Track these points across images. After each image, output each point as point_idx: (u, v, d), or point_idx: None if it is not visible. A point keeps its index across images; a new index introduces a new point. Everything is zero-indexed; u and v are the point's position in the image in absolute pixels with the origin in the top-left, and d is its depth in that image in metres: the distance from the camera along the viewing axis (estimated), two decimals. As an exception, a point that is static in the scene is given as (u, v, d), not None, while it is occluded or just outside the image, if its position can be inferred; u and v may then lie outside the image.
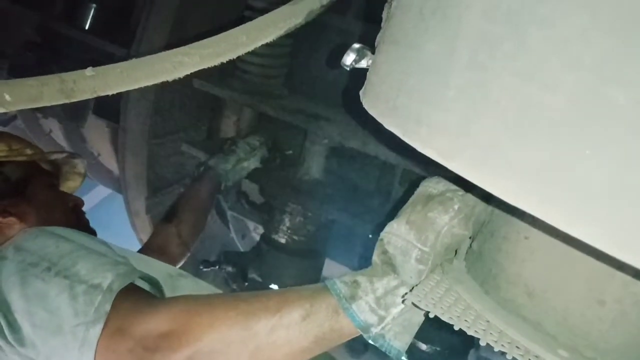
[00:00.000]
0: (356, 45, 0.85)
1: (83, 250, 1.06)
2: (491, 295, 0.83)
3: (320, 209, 1.93)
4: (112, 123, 2.49)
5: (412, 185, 1.73)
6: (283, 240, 2.04)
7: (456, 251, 0.95)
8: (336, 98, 2.02)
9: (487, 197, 0.90)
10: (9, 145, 1.34)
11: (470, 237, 0.92)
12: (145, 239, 2.36)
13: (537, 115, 0.41)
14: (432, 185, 0.92)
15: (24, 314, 1.00)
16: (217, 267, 2.06)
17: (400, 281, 0.87)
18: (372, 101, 0.68)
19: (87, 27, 2.33)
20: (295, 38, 2.00)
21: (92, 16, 2.33)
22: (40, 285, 1.00)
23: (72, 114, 2.53)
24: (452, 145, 0.49)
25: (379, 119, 0.63)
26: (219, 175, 1.82)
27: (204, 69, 0.74)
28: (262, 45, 0.77)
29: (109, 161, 3.08)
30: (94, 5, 2.35)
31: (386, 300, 0.86)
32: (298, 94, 2.10)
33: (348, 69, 0.87)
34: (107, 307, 0.95)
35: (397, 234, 0.89)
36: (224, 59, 0.72)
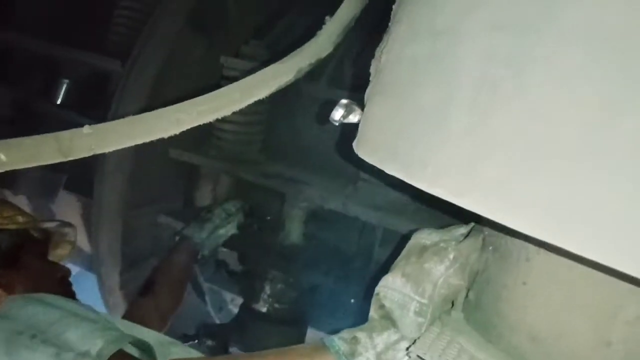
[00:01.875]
0: (344, 101, 0.87)
1: (72, 317, 1.02)
2: (494, 343, 0.82)
3: (301, 274, 1.90)
4: (83, 197, 2.44)
5: (397, 243, 1.74)
6: (264, 309, 1.99)
7: (453, 302, 0.94)
8: (313, 162, 2.04)
9: (481, 244, 0.90)
10: (1, 213, 1.32)
11: (466, 287, 0.92)
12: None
13: (547, 150, 0.43)
14: (425, 237, 0.93)
15: None
16: (197, 340, 1.98)
17: (401, 335, 0.85)
18: (370, 149, 0.69)
19: (59, 102, 2.33)
20: (270, 105, 2.04)
21: (65, 91, 2.34)
22: (26, 354, 0.95)
23: (43, 190, 2.48)
24: (461, 183, 0.50)
25: (379, 166, 0.64)
26: (195, 244, 1.79)
27: (179, 136, 0.74)
28: (237, 112, 0.79)
29: (79, 237, 2.99)
30: (67, 80, 2.36)
31: (387, 356, 0.85)
32: (275, 160, 2.11)
33: (336, 124, 0.89)
34: None
35: (393, 288, 0.88)
36: (219, 115, 0.73)
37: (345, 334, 0.88)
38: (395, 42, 0.69)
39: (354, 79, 2.05)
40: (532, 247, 0.77)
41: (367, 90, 0.78)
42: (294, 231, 1.97)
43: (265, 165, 2.05)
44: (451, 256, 0.86)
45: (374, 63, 0.79)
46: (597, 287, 0.68)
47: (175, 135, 0.73)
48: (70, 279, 1.44)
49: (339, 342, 0.87)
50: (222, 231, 1.89)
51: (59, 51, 2.26)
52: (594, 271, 0.66)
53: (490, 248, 0.89)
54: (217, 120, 0.75)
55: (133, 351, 1.06)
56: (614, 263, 0.41)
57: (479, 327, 0.87)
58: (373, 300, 0.91)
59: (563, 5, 0.45)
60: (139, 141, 0.69)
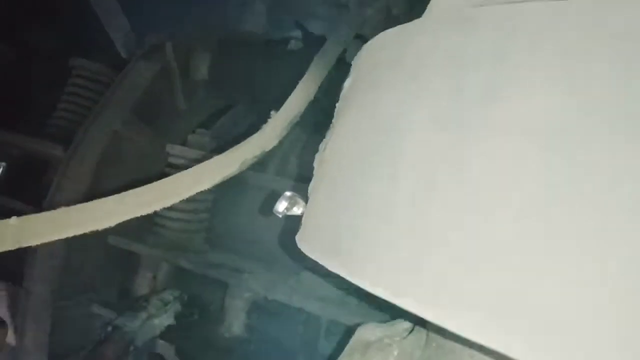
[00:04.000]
0: (288, 193, 0.88)
1: None
2: None
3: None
4: (11, 286, 2.29)
5: (341, 335, 1.70)
6: (204, 408, 1.87)
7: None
8: (258, 252, 2.02)
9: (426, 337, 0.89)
10: None
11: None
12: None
13: (485, 245, 0.43)
14: (369, 332, 0.91)
15: None
16: None
17: None
18: (312, 245, 0.68)
19: (-6, 186, 2.24)
20: (215, 194, 2.02)
21: (1, 175, 2.25)
22: None
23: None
24: (402, 282, 0.49)
25: (322, 262, 0.63)
26: (127, 334, 1.69)
27: (118, 225, 0.72)
28: (182, 201, 0.78)
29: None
30: (3, 163, 2.28)
31: None
32: (219, 249, 2.07)
33: (280, 216, 0.88)
34: None
35: None
36: (159, 207, 0.71)
37: None
38: (339, 135, 0.70)
39: (300, 170, 2.08)
40: (474, 343, 0.77)
41: (311, 184, 0.79)
42: (236, 322, 1.90)
43: (209, 254, 2.00)
44: (395, 353, 0.85)
45: (317, 157, 0.80)
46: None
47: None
48: None
49: None
50: (157, 321, 1.81)
51: (-3, 134, 2.21)
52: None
53: (434, 344, 0.87)
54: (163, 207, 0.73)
55: None
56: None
57: None
58: None
59: (494, 101, 0.48)
60: (71, 233, 0.66)
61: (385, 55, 0.67)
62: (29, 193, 2.18)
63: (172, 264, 2.05)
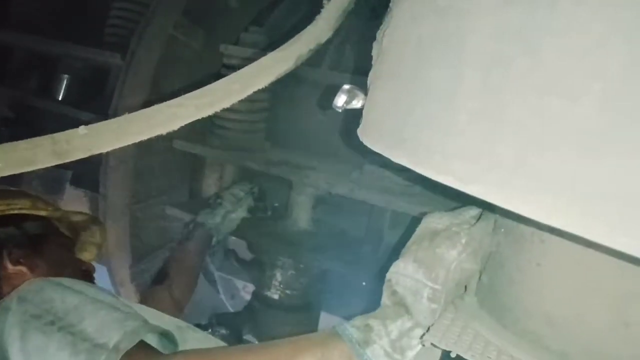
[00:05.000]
0: (346, 87, 0.85)
1: (90, 305, 1.01)
2: (510, 328, 0.81)
3: (311, 260, 1.89)
4: (90, 192, 2.43)
5: (406, 225, 1.73)
6: (276, 296, 1.99)
7: (466, 286, 0.93)
8: (318, 147, 2.02)
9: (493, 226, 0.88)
10: (33, 203, 1.35)
11: (479, 271, 0.90)
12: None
13: (565, 127, 0.40)
14: (436, 221, 0.91)
15: None
16: (210, 330, 1.99)
17: (414, 322, 0.84)
18: (375, 137, 0.67)
19: (60, 99, 2.31)
20: (272, 93, 2.01)
21: (66, 87, 2.32)
22: (41, 339, 0.95)
23: (49, 187, 2.47)
24: (471, 169, 0.48)
25: (385, 153, 0.62)
26: (210, 230, 1.78)
27: (182, 127, 0.73)
28: (240, 101, 0.77)
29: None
30: (67, 76, 2.34)
31: (401, 343, 0.83)
32: (280, 147, 2.09)
33: (340, 110, 0.87)
34: None
35: (405, 274, 0.87)
36: (219, 108, 0.71)
37: (358, 321, 0.87)
38: (397, 23, 0.66)
39: (355, 62, 2.02)
40: (545, 228, 0.75)
41: (370, 75, 0.76)
42: (302, 217, 1.96)
43: (270, 152, 2.03)
44: (463, 240, 0.85)
45: (375, 46, 0.76)
46: (615, 268, 0.66)
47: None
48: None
49: (351, 329, 0.86)
50: (234, 215, 1.87)
51: (58, 48, 2.24)
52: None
53: (502, 230, 0.87)
54: (221, 109, 0.73)
55: (153, 340, 1.04)
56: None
57: (493, 311, 0.85)
58: (385, 286, 0.90)
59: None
60: (137, 139, 0.68)
61: None
62: (94, 103, 2.24)
63: (235, 164, 2.10)
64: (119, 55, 2.09)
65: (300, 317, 2.00)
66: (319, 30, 0.82)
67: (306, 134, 2.08)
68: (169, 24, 1.98)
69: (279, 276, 1.96)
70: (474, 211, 0.93)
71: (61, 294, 1.04)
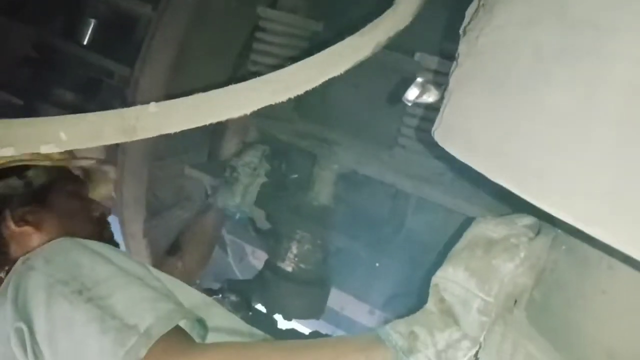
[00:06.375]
0: (420, 80, 0.81)
1: (121, 279, 0.97)
2: (563, 352, 0.78)
3: (330, 237, 1.87)
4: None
5: (430, 213, 1.69)
6: (289, 269, 1.97)
7: (515, 300, 0.90)
8: (347, 125, 1.97)
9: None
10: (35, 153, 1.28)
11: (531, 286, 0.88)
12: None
13: None
14: (491, 228, 0.87)
15: (46, 339, 0.91)
16: (220, 295, 1.98)
17: (462, 334, 0.81)
18: (463, 146, 0.62)
19: (85, 43, 2.24)
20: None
21: (92, 32, 2.24)
22: (67, 309, 0.91)
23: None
24: (599, 210, 0.44)
25: (478, 168, 0.58)
26: (231, 211, 1.74)
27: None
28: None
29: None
30: (94, 20, 2.26)
31: (447, 355, 0.81)
32: (307, 119, 2.04)
33: (409, 104, 0.82)
34: (142, 352, 0.86)
35: (455, 281, 0.84)
36: (294, 94, 0.67)
37: (402, 327, 0.84)
38: (502, 21, 0.61)
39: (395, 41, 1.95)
40: (617, 254, 0.72)
41: (455, 73, 0.71)
42: (324, 193, 1.92)
43: (297, 123, 1.98)
44: (522, 255, 0.82)
45: (463, 43, 0.71)
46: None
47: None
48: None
49: (395, 336, 0.83)
50: (252, 188, 1.84)
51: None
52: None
53: (564, 247, 0.83)
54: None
55: (186, 323, 1.01)
56: None
57: (544, 331, 0.82)
58: (431, 291, 0.87)
59: None
60: (208, 121, 0.64)
61: None
62: (120, 51, 2.17)
63: (259, 130, 2.05)
64: (150, 5, 2.01)
65: (312, 291, 1.99)
66: (399, 17, 0.77)
67: (336, 109, 2.02)
68: (206, -22, 1.90)
69: (294, 249, 1.94)
70: (529, 220, 0.90)
71: (90, 261, 1.00)
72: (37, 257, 1.02)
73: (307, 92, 2.04)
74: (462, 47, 0.70)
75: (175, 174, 2.21)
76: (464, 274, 0.83)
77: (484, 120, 0.59)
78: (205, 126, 2.15)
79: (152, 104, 0.62)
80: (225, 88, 0.65)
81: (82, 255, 1.01)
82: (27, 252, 1.08)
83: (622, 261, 0.71)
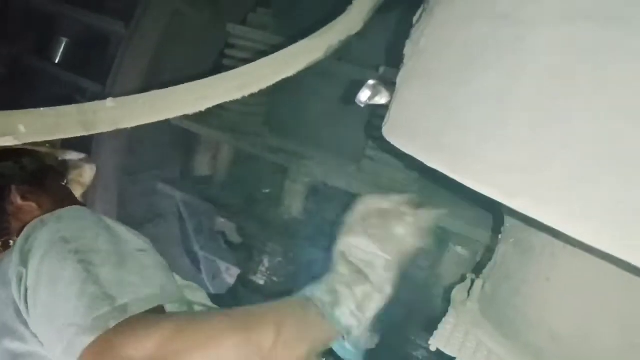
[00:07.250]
0: (371, 82, 0.84)
1: (117, 256, 0.97)
2: (511, 339, 0.81)
3: (301, 249, 1.89)
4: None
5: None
6: (262, 282, 1.98)
7: (469, 292, 0.93)
8: (316, 137, 2.01)
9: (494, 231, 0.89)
10: None
11: (479, 277, 0.93)
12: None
13: (629, 153, 0.40)
14: (379, 202, 1.01)
15: (31, 287, 0.94)
16: (192, 310, 1.98)
17: (373, 288, 0.95)
18: (405, 137, 0.66)
19: (57, 61, 2.26)
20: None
21: (64, 50, 2.27)
22: (58, 265, 0.93)
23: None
24: (519, 183, 0.47)
25: (418, 156, 0.61)
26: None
27: None
28: None
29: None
30: (66, 39, 2.29)
31: (364, 305, 0.94)
32: (278, 133, 2.07)
33: (362, 105, 0.86)
34: (111, 324, 0.86)
35: (359, 247, 0.96)
36: (248, 92, 0.69)
37: (324, 286, 0.94)
38: (440, 23, 0.65)
39: (360, 53, 2.00)
40: (558, 242, 0.75)
41: (401, 73, 0.75)
42: (295, 206, 1.95)
43: (268, 138, 2.01)
44: (410, 220, 0.97)
45: (409, 45, 0.75)
46: (629, 288, 0.66)
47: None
48: None
49: (319, 293, 0.93)
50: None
51: (59, 8, 2.19)
52: (627, 272, 0.65)
53: (512, 240, 0.87)
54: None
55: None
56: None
57: (495, 321, 0.85)
58: (338, 257, 0.97)
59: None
60: (164, 117, 0.66)
61: None
62: (90, 69, 2.20)
63: (232, 146, 2.08)
64: (122, 23, 2.05)
65: (284, 304, 2.00)
66: (351, 21, 0.81)
67: (305, 123, 2.06)
68: (177, -4, 1.94)
69: (266, 262, 1.96)
70: (406, 196, 1.03)
71: (96, 230, 1.02)
72: (52, 216, 1.06)
73: (277, 107, 2.07)
74: (407, 49, 0.74)
75: (147, 190, 2.22)
76: (367, 240, 0.95)
77: (422, 112, 0.62)
78: (176, 142, 2.18)
79: (110, 99, 0.64)
80: (181, 85, 0.68)
81: (92, 224, 1.03)
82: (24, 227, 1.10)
83: (561, 247, 0.75)
